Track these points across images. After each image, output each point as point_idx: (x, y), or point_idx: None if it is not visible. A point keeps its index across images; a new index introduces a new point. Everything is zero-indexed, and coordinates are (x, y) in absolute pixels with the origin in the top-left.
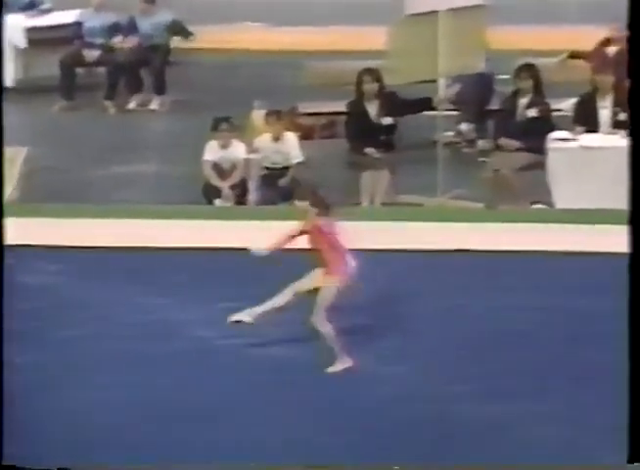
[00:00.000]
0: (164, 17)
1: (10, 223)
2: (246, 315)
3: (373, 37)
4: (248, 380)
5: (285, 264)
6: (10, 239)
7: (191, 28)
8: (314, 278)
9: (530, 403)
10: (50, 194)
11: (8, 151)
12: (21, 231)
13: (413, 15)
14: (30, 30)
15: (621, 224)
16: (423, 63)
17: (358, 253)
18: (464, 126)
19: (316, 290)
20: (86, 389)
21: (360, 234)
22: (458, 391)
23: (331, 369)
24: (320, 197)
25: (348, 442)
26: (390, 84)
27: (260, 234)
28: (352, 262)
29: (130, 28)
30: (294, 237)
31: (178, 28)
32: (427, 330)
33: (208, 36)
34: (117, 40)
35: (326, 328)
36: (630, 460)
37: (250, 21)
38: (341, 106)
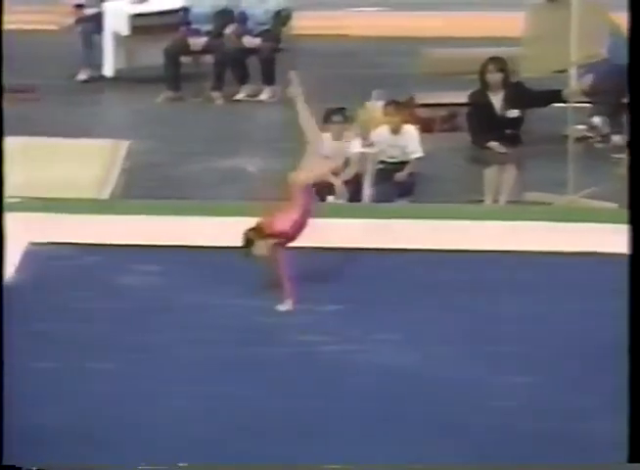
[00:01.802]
0: (275, 3)
1: (109, 221)
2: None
3: (495, 23)
4: (354, 390)
5: (392, 266)
6: (107, 237)
7: (304, 14)
8: None
9: None
10: (152, 190)
11: (109, 144)
12: (119, 229)
13: (548, 0)
14: (134, 17)
15: None
16: (557, 52)
17: (482, 254)
18: (597, 120)
19: None
20: (173, 398)
21: (484, 234)
22: (585, 405)
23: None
24: None
25: (465, 455)
26: (527, 76)
27: (376, 233)
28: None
29: (239, 15)
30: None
31: (288, 16)
32: (550, 338)
33: (321, 23)
34: (225, 27)
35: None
36: (630, 460)
37: (365, 6)
38: (462, 97)
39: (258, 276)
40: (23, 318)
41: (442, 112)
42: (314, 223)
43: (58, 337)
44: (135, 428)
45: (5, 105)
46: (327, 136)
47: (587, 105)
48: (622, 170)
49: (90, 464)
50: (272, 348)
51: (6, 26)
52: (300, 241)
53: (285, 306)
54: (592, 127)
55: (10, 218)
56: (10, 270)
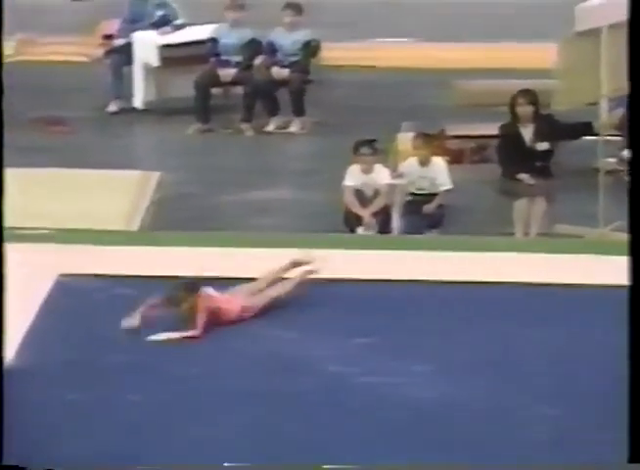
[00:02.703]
0: (304, 34)
1: (139, 252)
2: None
3: (526, 55)
4: (385, 422)
5: (421, 297)
6: (137, 269)
7: (332, 45)
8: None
9: None
10: (182, 221)
11: (139, 175)
12: (150, 261)
13: (580, 32)
14: (164, 48)
15: None
16: (588, 84)
17: (512, 286)
18: (628, 153)
19: None
20: (202, 426)
21: (514, 266)
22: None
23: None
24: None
25: None
26: (557, 109)
27: (405, 265)
28: None
29: (268, 46)
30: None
31: (317, 47)
32: (581, 370)
33: (351, 54)
34: (254, 58)
35: None
36: (630, 460)
37: (395, 36)
38: (492, 128)
39: (288, 307)
40: (54, 349)
41: (472, 143)
42: (340, 257)
43: (88, 368)
44: (164, 459)
45: (37, 137)
46: (356, 168)
47: (618, 138)
48: None
49: (90, 464)
50: (302, 379)
51: (37, 58)
52: (331, 272)
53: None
54: (623, 160)
55: (40, 250)
56: (39, 301)
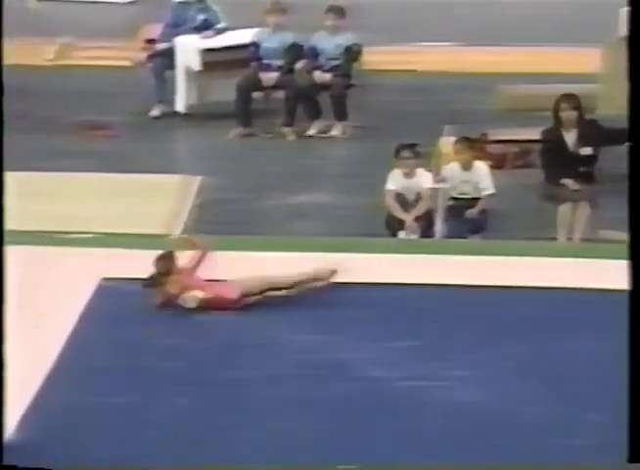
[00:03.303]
0: (346, 38)
1: (182, 256)
2: None
3: (570, 59)
4: (429, 427)
5: (464, 302)
6: None
7: (375, 49)
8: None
9: None
10: (224, 226)
11: (180, 180)
12: None
13: (624, 36)
14: (205, 52)
15: None
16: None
17: (555, 291)
18: None
19: None
20: (245, 431)
21: (557, 271)
22: None
23: None
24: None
25: None
26: (602, 114)
27: (447, 269)
28: None
29: (310, 50)
30: None
31: (359, 51)
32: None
33: (393, 57)
34: (296, 62)
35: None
36: (630, 460)
37: (438, 40)
38: (535, 133)
39: (328, 310)
40: (97, 353)
41: (515, 148)
42: (381, 261)
43: (131, 373)
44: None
45: (79, 142)
46: (398, 172)
47: None
48: None
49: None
50: (342, 383)
51: (79, 62)
52: (373, 276)
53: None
54: None
55: (83, 254)
56: (82, 305)
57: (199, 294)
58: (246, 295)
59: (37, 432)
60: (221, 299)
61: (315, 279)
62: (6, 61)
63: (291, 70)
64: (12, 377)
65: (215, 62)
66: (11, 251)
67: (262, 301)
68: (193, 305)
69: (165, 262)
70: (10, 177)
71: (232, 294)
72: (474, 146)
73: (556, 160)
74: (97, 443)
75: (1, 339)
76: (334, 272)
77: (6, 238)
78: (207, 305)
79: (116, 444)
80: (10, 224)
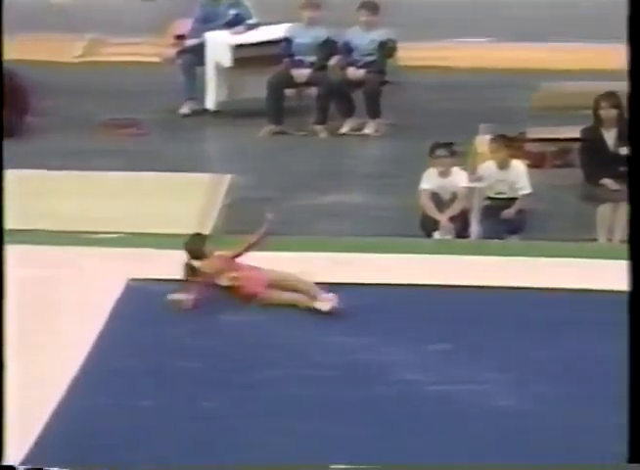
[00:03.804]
0: (380, 34)
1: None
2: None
3: (610, 56)
4: (467, 433)
5: (500, 304)
6: None
7: (410, 45)
8: None
9: None
10: (255, 225)
11: (210, 178)
12: None
13: None
14: (236, 48)
15: None
16: None
17: (595, 293)
18: None
19: None
20: (276, 434)
21: (597, 273)
22: None
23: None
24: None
25: None
26: None
27: (483, 270)
28: None
29: (343, 46)
30: None
31: (394, 47)
32: None
33: (429, 54)
34: (329, 58)
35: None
36: (630, 460)
37: (474, 36)
38: (575, 132)
39: (363, 313)
40: (124, 355)
41: (554, 147)
42: (416, 262)
43: (157, 375)
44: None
45: (108, 140)
46: (433, 171)
47: None
48: None
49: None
50: (377, 386)
51: (108, 58)
52: (407, 277)
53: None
54: None
55: (110, 254)
56: (110, 306)
57: (233, 273)
58: (272, 286)
59: (62, 436)
60: (249, 281)
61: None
62: (33, 57)
63: (324, 67)
64: (36, 380)
65: (246, 58)
66: (36, 251)
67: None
68: (226, 282)
69: (196, 243)
70: (35, 176)
71: (261, 282)
72: (511, 144)
73: (595, 159)
74: (123, 446)
75: (1, 339)
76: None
77: (32, 238)
78: (237, 285)
79: (142, 448)
80: (36, 224)
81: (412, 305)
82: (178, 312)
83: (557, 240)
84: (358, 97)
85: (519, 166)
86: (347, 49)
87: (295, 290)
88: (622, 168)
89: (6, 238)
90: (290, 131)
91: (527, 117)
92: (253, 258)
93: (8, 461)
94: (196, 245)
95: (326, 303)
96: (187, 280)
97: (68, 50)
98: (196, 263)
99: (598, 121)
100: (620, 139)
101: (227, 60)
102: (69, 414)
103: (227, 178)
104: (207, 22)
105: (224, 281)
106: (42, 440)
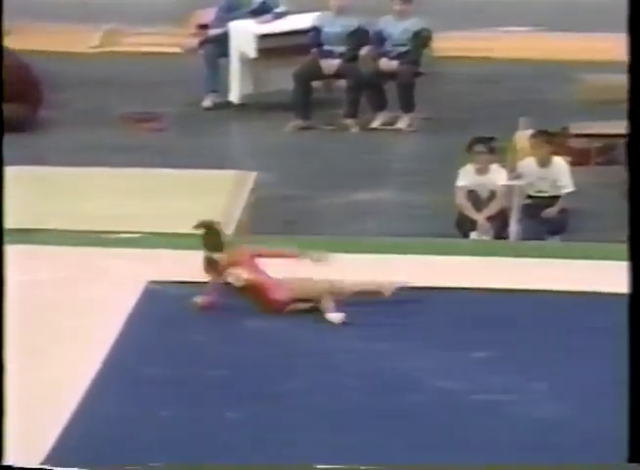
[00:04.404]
0: (414, 22)
1: None
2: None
3: None
4: (509, 445)
5: (543, 309)
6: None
7: (446, 34)
8: None
9: None
10: (281, 225)
11: (234, 175)
12: None
13: None
14: (262, 38)
15: None
16: None
17: None
18: None
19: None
20: (299, 447)
21: None
22: None
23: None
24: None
25: None
26: None
27: (524, 273)
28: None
29: (375, 35)
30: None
31: (429, 37)
32: None
33: (466, 44)
34: (360, 49)
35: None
36: (630, 460)
37: (514, 25)
38: (621, 127)
39: (393, 316)
40: (142, 363)
41: (599, 143)
42: (451, 264)
43: (178, 383)
44: None
45: (126, 134)
46: (470, 168)
47: None
48: None
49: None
50: (408, 396)
51: (126, 49)
52: (442, 280)
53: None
54: None
55: (128, 255)
56: (128, 310)
57: (244, 274)
58: (295, 300)
59: (77, 446)
60: (266, 294)
61: (377, 293)
62: (48, 47)
63: (354, 57)
64: (50, 384)
65: (272, 48)
66: (51, 252)
67: (312, 309)
68: (236, 282)
69: (211, 235)
70: (49, 173)
71: (280, 295)
72: (553, 140)
73: None
74: (140, 458)
75: (1, 339)
76: (395, 288)
77: (46, 238)
78: (251, 292)
79: (161, 459)
80: (50, 223)
81: (447, 309)
82: (198, 314)
83: (601, 241)
84: (391, 89)
85: (561, 163)
86: (380, 39)
87: (311, 299)
88: None
89: (19, 238)
90: (318, 126)
91: (571, 111)
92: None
93: (8, 461)
94: (212, 237)
95: (336, 316)
96: (207, 273)
97: (85, 40)
98: (215, 256)
99: None
100: None
101: (252, 50)
102: (86, 423)
103: (252, 176)
104: (232, 10)
105: (236, 280)
106: (54, 452)
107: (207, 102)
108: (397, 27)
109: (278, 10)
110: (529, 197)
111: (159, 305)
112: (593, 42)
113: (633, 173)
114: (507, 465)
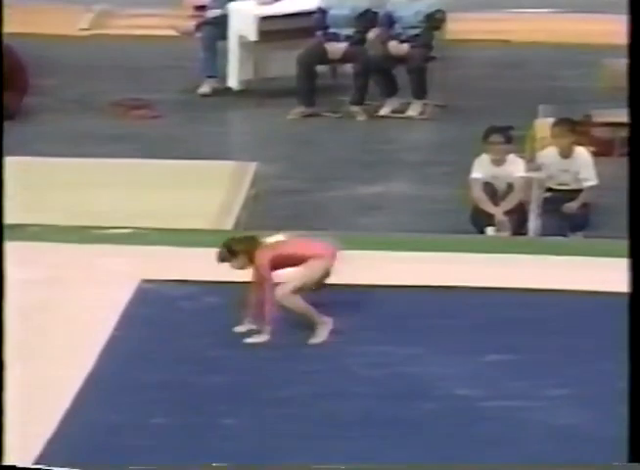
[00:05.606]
0: (427, 3)
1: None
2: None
3: None
4: (526, 453)
5: (563, 310)
6: (230, 274)
7: (460, 16)
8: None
9: None
10: (283, 220)
11: (233, 167)
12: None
13: None
14: (263, 20)
15: None
16: None
17: None
18: None
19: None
20: (309, 456)
21: None
22: None
23: (313, 340)
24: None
25: None
26: None
27: (544, 271)
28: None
29: (385, 17)
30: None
31: (442, 19)
32: None
33: (482, 26)
34: (369, 32)
35: (294, 301)
36: (630, 460)
37: (534, 6)
38: None
39: (407, 319)
40: (134, 368)
41: (624, 132)
42: (466, 261)
43: (171, 389)
44: None
45: (118, 123)
46: (486, 158)
47: None
48: None
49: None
50: (423, 402)
51: (118, 32)
52: (457, 279)
53: (262, 338)
54: None
55: (120, 252)
56: (119, 310)
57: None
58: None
59: (66, 454)
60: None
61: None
62: (34, 30)
63: (362, 41)
64: (41, 384)
65: (274, 31)
66: (39, 248)
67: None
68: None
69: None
70: (36, 164)
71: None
72: (575, 129)
73: None
74: (133, 463)
75: (1, 340)
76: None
77: (34, 234)
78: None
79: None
80: (38, 218)
81: (463, 310)
82: (191, 316)
83: (625, 238)
84: (401, 75)
85: (583, 154)
86: (390, 21)
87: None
88: None
89: (9, 234)
90: (323, 113)
91: (593, 97)
92: None
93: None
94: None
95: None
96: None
97: (74, 22)
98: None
99: None
100: None
101: (253, 33)
102: (75, 431)
103: (252, 167)
104: None
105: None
106: (42, 458)
107: (205, 88)
108: (409, 9)
109: None
110: (550, 190)
111: (152, 306)
112: (617, 25)
113: (633, 173)
114: (507, 465)
